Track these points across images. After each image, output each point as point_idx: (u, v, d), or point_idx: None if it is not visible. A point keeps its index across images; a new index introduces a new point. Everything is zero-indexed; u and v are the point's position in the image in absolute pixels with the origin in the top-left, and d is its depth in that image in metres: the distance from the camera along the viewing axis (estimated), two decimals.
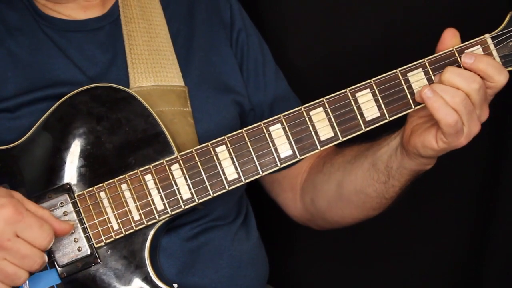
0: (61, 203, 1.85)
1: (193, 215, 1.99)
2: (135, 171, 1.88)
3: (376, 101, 1.89)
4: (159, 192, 1.87)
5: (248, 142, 1.88)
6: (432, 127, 1.88)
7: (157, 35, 2.09)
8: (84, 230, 1.86)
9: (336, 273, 2.69)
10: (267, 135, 1.89)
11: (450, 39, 1.89)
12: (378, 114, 1.89)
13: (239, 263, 2.06)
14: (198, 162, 1.88)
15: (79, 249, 1.85)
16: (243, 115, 2.16)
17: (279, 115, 1.89)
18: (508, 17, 1.89)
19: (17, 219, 1.71)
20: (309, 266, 2.70)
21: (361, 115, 1.89)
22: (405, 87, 1.89)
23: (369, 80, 1.89)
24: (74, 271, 1.86)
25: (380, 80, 1.89)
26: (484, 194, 2.61)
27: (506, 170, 2.56)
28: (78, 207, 1.86)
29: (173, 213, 1.88)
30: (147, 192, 1.87)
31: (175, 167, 1.88)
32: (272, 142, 1.89)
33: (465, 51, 1.88)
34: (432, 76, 1.88)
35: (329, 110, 1.89)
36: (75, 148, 1.89)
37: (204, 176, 1.88)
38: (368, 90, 1.89)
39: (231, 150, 1.88)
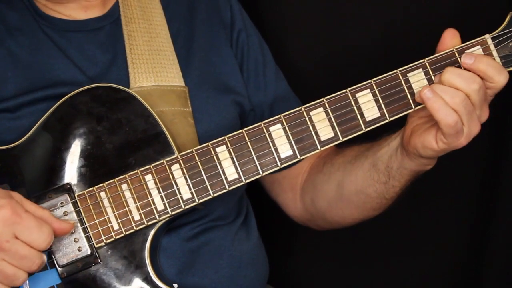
0: (61, 203, 1.85)
1: (193, 215, 1.99)
2: (136, 171, 1.88)
3: (376, 101, 1.89)
4: (159, 192, 1.87)
5: (249, 142, 1.89)
6: (432, 128, 1.88)
7: (158, 35, 2.09)
8: (85, 230, 1.86)
9: (336, 273, 2.69)
10: (267, 135, 1.89)
11: (450, 39, 1.89)
12: (378, 115, 1.89)
13: (239, 263, 2.06)
14: (199, 162, 1.88)
15: (79, 249, 1.85)
16: (243, 115, 2.16)
17: (279, 115, 1.89)
18: (508, 17, 1.89)
19: (15, 221, 1.71)
20: (309, 266, 2.70)
21: (361, 115, 1.89)
22: (405, 88, 1.89)
23: (369, 81, 1.89)
24: (74, 271, 1.86)
25: (380, 80, 1.89)
26: (484, 194, 2.61)
27: (506, 170, 2.56)
28: (79, 207, 1.86)
29: (173, 213, 1.88)
30: (147, 192, 1.87)
31: (176, 167, 1.88)
32: (273, 142, 1.89)
33: (465, 51, 1.88)
34: (432, 77, 1.88)
35: (329, 110, 1.89)
36: (76, 148, 1.89)
37: (204, 176, 1.88)
38: (368, 90, 1.89)
39: (231, 150, 1.88)
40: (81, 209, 1.86)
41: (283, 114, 1.89)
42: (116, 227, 1.87)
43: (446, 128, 1.83)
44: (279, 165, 1.89)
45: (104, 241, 1.87)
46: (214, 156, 1.88)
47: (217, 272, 2.03)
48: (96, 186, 1.87)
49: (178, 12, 2.15)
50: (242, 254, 2.07)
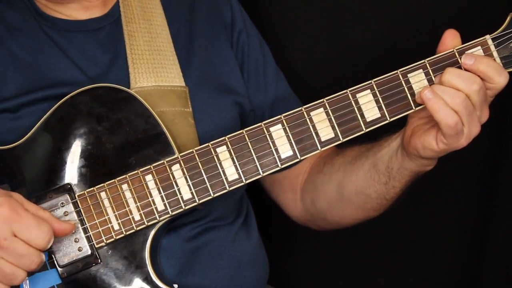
0: (62, 203, 1.85)
1: (193, 215, 1.99)
2: (136, 171, 1.88)
3: (377, 101, 1.89)
4: (159, 193, 1.87)
5: (249, 143, 1.89)
6: (432, 128, 1.88)
7: (158, 36, 2.09)
8: (85, 230, 1.86)
9: (336, 273, 2.69)
10: (267, 135, 1.89)
11: (450, 40, 1.89)
12: (379, 115, 1.89)
13: (240, 264, 2.06)
14: (199, 163, 1.88)
15: (79, 249, 1.85)
16: (243, 115, 2.16)
17: (279, 116, 1.89)
18: (508, 18, 1.89)
19: (13, 218, 1.71)
20: (309, 266, 2.70)
21: (362, 115, 1.89)
22: (405, 88, 1.89)
23: (369, 81, 1.89)
24: (74, 271, 1.86)
25: (380, 81, 1.89)
26: (484, 194, 2.61)
27: (506, 170, 2.56)
28: (79, 207, 1.86)
29: (173, 213, 1.88)
30: (147, 193, 1.87)
31: (176, 167, 1.88)
32: (273, 142, 1.89)
33: (466, 52, 1.88)
34: (433, 77, 1.88)
35: (329, 111, 1.89)
36: (76, 148, 1.89)
37: (204, 176, 1.88)
38: (368, 90, 1.89)
39: (231, 150, 1.88)
40: (81, 209, 1.86)
41: (284, 114, 1.89)
42: (116, 227, 1.87)
43: (446, 128, 1.83)
44: (280, 165, 1.89)
45: (105, 241, 1.87)
46: (215, 157, 1.88)
47: (217, 272, 2.03)
48: (97, 186, 1.87)
49: (179, 12, 2.15)
50: (242, 254, 2.07)
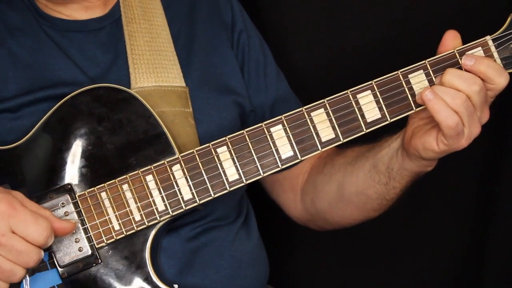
0: (62, 203, 1.85)
1: (194, 216, 1.99)
2: (136, 171, 1.88)
3: (377, 102, 1.89)
4: (160, 193, 1.87)
5: (249, 143, 1.89)
6: (433, 129, 1.88)
7: (158, 36, 2.09)
8: (85, 231, 1.86)
9: (336, 273, 2.69)
10: (268, 136, 1.89)
11: (451, 40, 1.89)
12: (379, 116, 1.89)
13: (240, 264, 2.06)
14: (199, 163, 1.88)
15: (80, 250, 1.85)
16: (244, 116, 2.16)
17: (280, 116, 1.89)
18: (509, 19, 1.89)
19: (11, 214, 1.70)
20: (309, 266, 2.70)
21: (362, 116, 1.89)
22: (406, 89, 1.89)
23: (370, 82, 1.89)
24: (75, 271, 1.86)
25: (381, 82, 1.89)
26: (484, 194, 2.61)
27: (506, 170, 2.56)
28: (79, 207, 1.86)
29: (174, 213, 1.88)
30: (148, 193, 1.87)
31: (176, 167, 1.88)
32: (273, 143, 1.89)
33: (466, 53, 1.88)
34: (433, 78, 1.88)
35: (330, 111, 1.89)
36: (76, 149, 1.89)
37: (205, 177, 1.88)
38: (369, 91, 1.89)
39: (232, 151, 1.88)
40: (82, 210, 1.86)
41: (284, 115, 1.89)
42: (117, 227, 1.87)
43: (447, 129, 1.83)
44: (280, 166, 1.89)
45: (105, 241, 1.87)
46: (215, 157, 1.88)
47: (218, 273, 2.03)
48: (97, 187, 1.87)
49: (179, 12, 2.15)
50: (242, 254, 2.07)
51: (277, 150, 1.89)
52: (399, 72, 1.89)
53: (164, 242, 1.96)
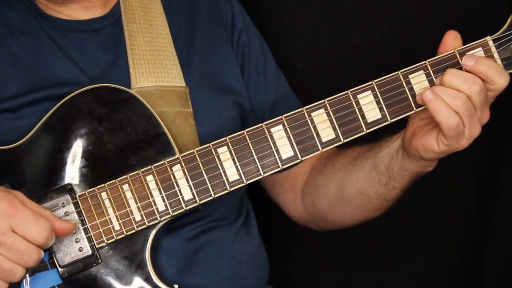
0: (63, 203, 1.85)
1: (194, 216, 1.99)
2: (137, 171, 1.88)
3: (378, 102, 1.89)
4: (160, 193, 1.87)
5: (250, 143, 1.89)
6: (433, 129, 1.88)
7: (159, 36, 2.09)
8: (86, 231, 1.86)
9: (336, 273, 2.69)
10: (268, 136, 1.89)
11: (451, 41, 1.89)
12: (380, 116, 1.89)
13: (240, 264, 2.06)
14: (200, 163, 1.88)
15: (80, 250, 1.85)
16: (244, 116, 2.16)
17: (280, 117, 1.89)
18: (509, 19, 1.89)
19: (11, 213, 1.70)
20: (309, 266, 2.70)
21: (363, 116, 1.89)
22: (406, 89, 1.89)
23: (370, 82, 1.89)
24: (75, 271, 1.86)
25: (381, 82, 1.89)
26: (484, 194, 2.61)
27: (506, 171, 2.56)
28: (80, 207, 1.86)
29: (174, 214, 1.88)
30: (148, 193, 1.87)
31: (177, 168, 1.88)
32: (274, 143, 1.89)
33: (467, 53, 1.88)
34: (434, 78, 1.88)
35: (330, 112, 1.89)
36: (77, 149, 1.89)
37: (205, 177, 1.88)
38: (369, 91, 1.89)
39: (232, 151, 1.88)
40: (82, 210, 1.86)
41: (285, 115, 1.89)
42: (117, 227, 1.87)
43: (447, 130, 1.83)
44: (280, 166, 1.89)
45: (105, 241, 1.87)
46: (216, 157, 1.88)
47: (218, 273, 2.03)
48: (97, 187, 1.87)
49: (179, 12, 2.15)
50: (242, 254, 2.07)
51: (277, 150, 1.89)
52: (399, 73, 1.89)
53: (164, 242, 1.97)
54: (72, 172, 1.88)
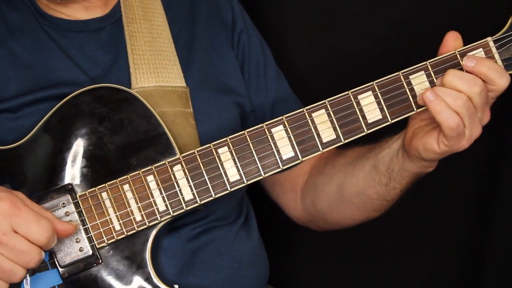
0: (63, 203, 1.85)
1: (194, 216, 1.99)
2: (137, 172, 1.88)
3: (378, 103, 1.89)
4: (161, 193, 1.87)
5: (250, 144, 1.89)
6: (433, 130, 1.88)
7: (159, 36, 2.09)
8: (86, 231, 1.86)
9: (336, 273, 2.69)
10: (269, 136, 1.89)
11: (452, 42, 1.89)
12: (380, 117, 1.89)
13: (240, 264, 2.06)
14: (200, 163, 1.88)
15: (80, 250, 1.85)
16: (244, 116, 2.16)
17: (281, 117, 1.89)
18: (510, 20, 1.89)
19: (13, 213, 1.70)
20: (309, 266, 2.70)
21: (363, 117, 1.89)
22: (407, 90, 1.89)
23: (371, 83, 1.89)
24: (75, 271, 1.86)
25: (382, 83, 1.89)
26: (484, 194, 2.61)
27: (506, 171, 2.56)
28: (80, 207, 1.86)
29: (175, 214, 1.88)
30: (149, 193, 1.88)
31: (177, 168, 1.88)
32: (275, 143, 1.89)
33: (467, 54, 1.88)
34: (434, 79, 1.88)
35: (331, 112, 1.89)
36: (77, 149, 1.89)
37: (206, 177, 1.88)
38: (370, 92, 1.89)
39: (233, 151, 1.88)
40: (82, 210, 1.86)
41: (285, 115, 1.89)
42: (117, 227, 1.87)
43: (448, 130, 1.83)
44: (281, 166, 1.89)
45: (106, 241, 1.87)
46: (216, 157, 1.88)
47: (218, 273, 2.03)
48: (98, 187, 1.87)
49: (180, 13, 2.15)
50: (242, 254, 2.08)
51: (278, 151, 1.89)
52: (400, 73, 1.89)
53: (165, 242, 1.97)
54: (72, 172, 1.88)
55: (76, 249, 1.85)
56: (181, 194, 1.88)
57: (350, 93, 1.89)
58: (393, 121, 1.90)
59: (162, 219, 1.88)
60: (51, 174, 1.88)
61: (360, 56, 2.49)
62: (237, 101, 2.14)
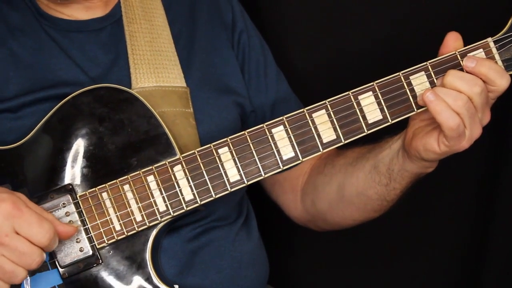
0: (63, 203, 1.85)
1: (194, 216, 1.99)
2: (138, 172, 1.88)
3: (379, 103, 1.89)
4: (161, 193, 1.87)
5: (251, 144, 1.89)
6: (434, 130, 1.88)
7: (159, 36, 2.09)
8: (86, 231, 1.86)
9: (336, 274, 2.69)
10: (269, 137, 1.89)
11: (452, 42, 1.89)
12: (381, 117, 1.89)
13: (240, 264, 2.06)
14: (201, 164, 1.88)
15: (81, 250, 1.85)
16: (244, 116, 2.16)
17: (281, 117, 1.89)
18: (510, 21, 1.89)
19: (15, 214, 1.70)
20: (309, 266, 2.70)
21: (364, 117, 1.89)
22: (407, 90, 1.89)
23: (371, 83, 1.89)
24: (75, 271, 1.86)
25: (382, 83, 1.89)
26: (484, 194, 2.61)
27: (506, 171, 2.56)
28: (80, 207, 1.86)
29: (175, 214, 1.88)
30: (149, 193, 1.88)
31: (178, 168, 1.88)
32: (275, 144, 1.89)
33: (468, 54, 1.88)
34: (435, 79, 1.88)
35: (331, 113, 1.89)
36: (78, 149, 1.89)
37: (206, 177, 1.88)
38: (370, 92, 1.89)
39: (233, 151, 1.88)
40: (83, 210, 1.86)
41: (286, 116, 1.89)
42: (118, 228, 1.87)
43: (448, 130, 1.83)
44: (281, 167, 1.89)
45: (106, 242, 1.87)
46: (216, 158, 1.88)
47: (218, 273, 2.03)
48: (98, 187, 1.87)
49: (180, 13, 2.15)
50: (242, 254, 2.08)
51: (278, 151, 1.89)
52: (400, 74, 1.89)
53: (165, 242, 1.97)
54: (72, 172, 1.88)
55: (76, 249, 1.85)
56: (182, 194, 1.88)
57: (350, 93, 1.89)
58: (393, 121, 1.90)
59: (163, 219, 1.88)
60: (51, 174, 1.88)
61: (360, 56, 2.48)
62: (237, 101, 2.14)
